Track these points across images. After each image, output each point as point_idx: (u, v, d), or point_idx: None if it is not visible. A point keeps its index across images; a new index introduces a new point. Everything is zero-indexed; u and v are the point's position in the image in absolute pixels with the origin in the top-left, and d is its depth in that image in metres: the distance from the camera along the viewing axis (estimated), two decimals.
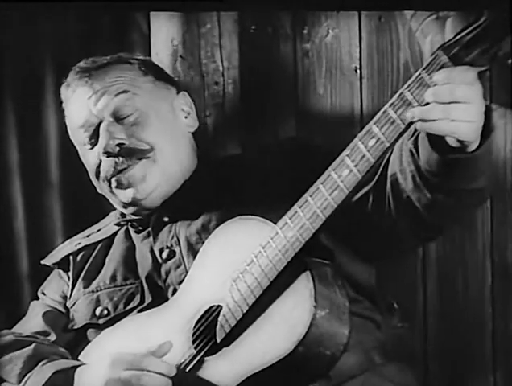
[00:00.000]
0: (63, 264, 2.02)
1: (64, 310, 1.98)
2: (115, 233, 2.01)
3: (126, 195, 1.91)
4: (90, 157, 1.94)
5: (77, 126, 1.94)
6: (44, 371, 1.78)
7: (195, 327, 1.69)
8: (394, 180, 1.63)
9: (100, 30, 2.29)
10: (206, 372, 1.64)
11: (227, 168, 1.96)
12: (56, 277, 2.04)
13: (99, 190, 1.99)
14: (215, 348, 1.65)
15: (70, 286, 1.99)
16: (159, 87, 1.97)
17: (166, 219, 1.91)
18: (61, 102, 2.00)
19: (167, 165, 1.91)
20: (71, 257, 2.01)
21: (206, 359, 1.65)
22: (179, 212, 1.90)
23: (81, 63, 1.97)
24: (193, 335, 1.68)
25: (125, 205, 1.94)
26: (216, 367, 1.63)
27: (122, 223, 2.00)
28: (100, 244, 2.01)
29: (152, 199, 1.91)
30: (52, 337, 1.93)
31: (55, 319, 1.97)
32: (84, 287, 1.95)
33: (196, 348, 1.67)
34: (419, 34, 1.98)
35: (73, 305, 1.96)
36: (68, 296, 1.98)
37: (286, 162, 1.85)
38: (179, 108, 1.98)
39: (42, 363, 1.81)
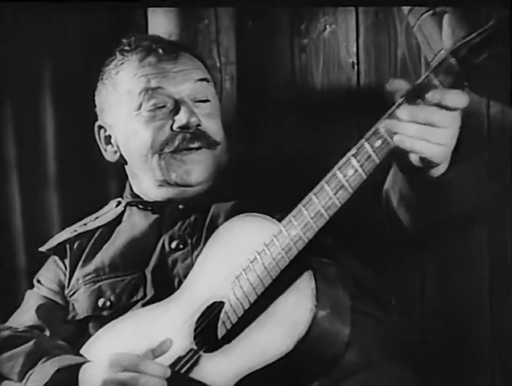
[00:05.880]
0: (59, 250, 1.99)
1: (61, 301, 1.95)
2: (114, 220, 1.99)
3: (179, 172, 1.89)
4: (150, 126, 1.89)
5: (139, 90, 1.90)
6: (47, 368, 1.75)
7: (196, 323, 1.69)
8: (388, 195, 1.66)
9: (97, 26, 2.29)
10: (205, 369, 1.64)
11: (241, 166, 1.97)
12: (52, 264, 2.00)
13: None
14: (216, 345, 1.64)
15: (67, 275, 1.95)
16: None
17: (181, 206, 1.90)
18: (113, 61, 1.96)
19: (222, 162, 1.93)
20: (67, 245, 1.98)
21: (206, 355, 1.65)
22: (194, 203, 1.89)
23: (154, 37, 2.01)
24: (195, 331, 1.68)
25: (163, 184, 1.91)
26: (216, 364, 1.63)
27: (133, 203, 1.97)
28: (98, 231, 1.98)
29: (197, 189, 1.90)
30: (46, 332, 1.91)
31: (50, 313, 1.93)
32: (84, 276, 1.92)
33: (197, 344, 1.67)
34: (416, 30, 1.98)
35: (73, 294, 1.92)
36: (66, 285, 1.95)
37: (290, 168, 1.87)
38: None
39: (43, 359, 1.78)
